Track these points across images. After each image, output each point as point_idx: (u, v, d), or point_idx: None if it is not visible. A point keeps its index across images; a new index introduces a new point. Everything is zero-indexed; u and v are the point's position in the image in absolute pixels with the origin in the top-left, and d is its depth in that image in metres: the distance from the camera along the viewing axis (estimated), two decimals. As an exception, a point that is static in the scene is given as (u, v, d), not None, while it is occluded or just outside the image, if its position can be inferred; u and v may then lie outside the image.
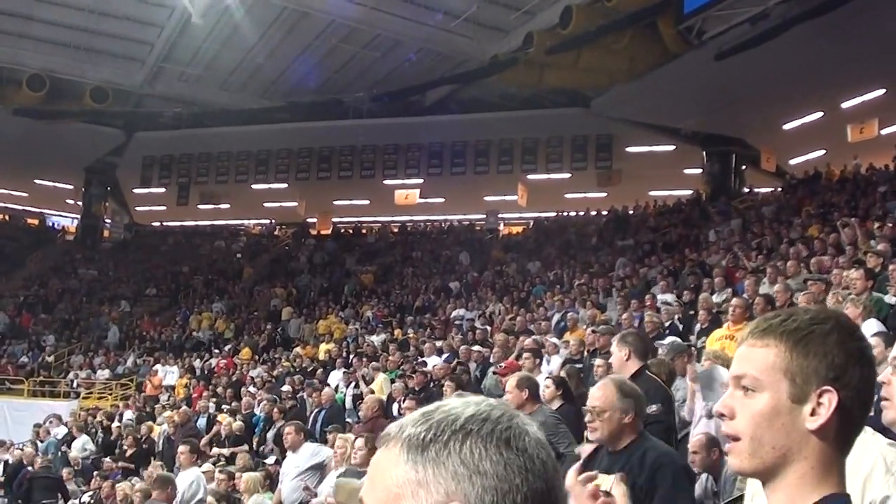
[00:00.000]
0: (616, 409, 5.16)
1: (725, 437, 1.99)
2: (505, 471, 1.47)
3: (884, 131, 31.66)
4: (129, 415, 24.35)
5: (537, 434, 1.54)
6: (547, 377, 11.27)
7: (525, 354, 13.22)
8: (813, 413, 1.85)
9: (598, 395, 5.28)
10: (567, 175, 38.72)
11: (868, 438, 3.65)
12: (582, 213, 39.47)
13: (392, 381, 18.27)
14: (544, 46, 29.47)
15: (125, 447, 20.05)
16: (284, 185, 42.84)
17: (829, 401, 1.84)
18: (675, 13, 28.54)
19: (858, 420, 1.90)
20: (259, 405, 20.10)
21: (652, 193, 38.54)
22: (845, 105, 31.83)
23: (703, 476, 8.18)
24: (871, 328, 9.21)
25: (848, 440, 1.90)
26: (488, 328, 22.01)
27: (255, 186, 43.11)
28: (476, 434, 1.49)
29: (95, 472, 18.84)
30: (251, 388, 22.91)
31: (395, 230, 45.01)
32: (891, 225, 18.25)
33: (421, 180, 40.49)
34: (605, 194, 39.01)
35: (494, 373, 14.85)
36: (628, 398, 5.19)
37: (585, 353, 14.67)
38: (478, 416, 1.51)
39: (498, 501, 1.46)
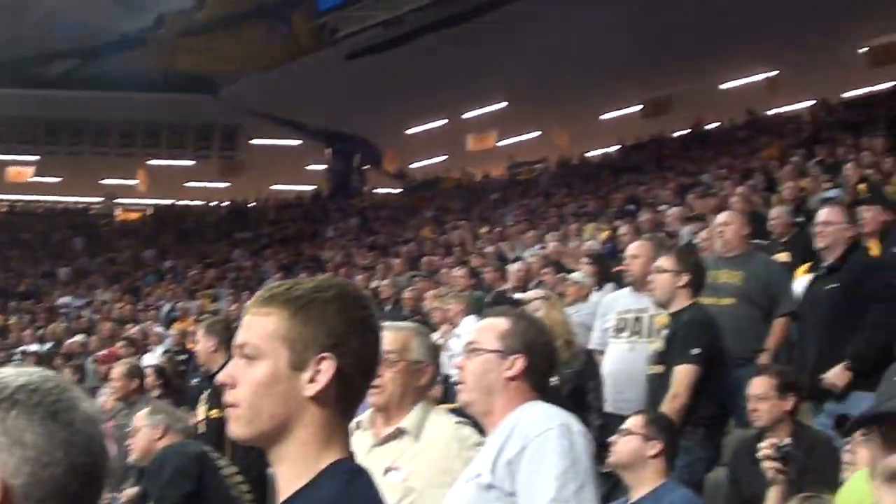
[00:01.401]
0: (146, 425, 5.65)
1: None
2: (47, 443, 1.44)
3: (501, 143, 33.22)
4: None
5: (89, 409, 1.51)
6: (147, 366, 11.00)
7: (119, 343, 12.89)
8: (312, 380, 1.85)
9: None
10: (190, 162, 38.06)
11: (441, 420, 3.77)
12: (203, 203, 38.88)
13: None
14: (176, 28, 28.85)
15: None
16: None
17: (328, 368, 1.85)
18: (311, 9, 28.77)
19: (360, 386, 1.94)
20: None
21: (274, 187, 38.59)
22: (467, 115, 33.16)
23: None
24: (471, 323, 9.57)
25: (350, 406, 1.93)
26: (96, 316, 21.16)
27: None
28: (22, 405, 1.45)
29: None
30: None
31: (4, 210, 42.36)
32: (499, 229, 19.23)
33: (37, 157, 38.31)
34: (227, 185, 38.64)
35: (94, 360, 14.36)
36: (157, 415, 5.68)
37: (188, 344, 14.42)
38: (27, 386, 1.47)
39: (37, 472, 1.43)
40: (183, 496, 5.25)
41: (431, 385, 3.88)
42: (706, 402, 5.72)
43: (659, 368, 5.87)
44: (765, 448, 4.53)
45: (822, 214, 6.44)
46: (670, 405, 5.55)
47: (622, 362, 6.62)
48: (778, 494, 4.39)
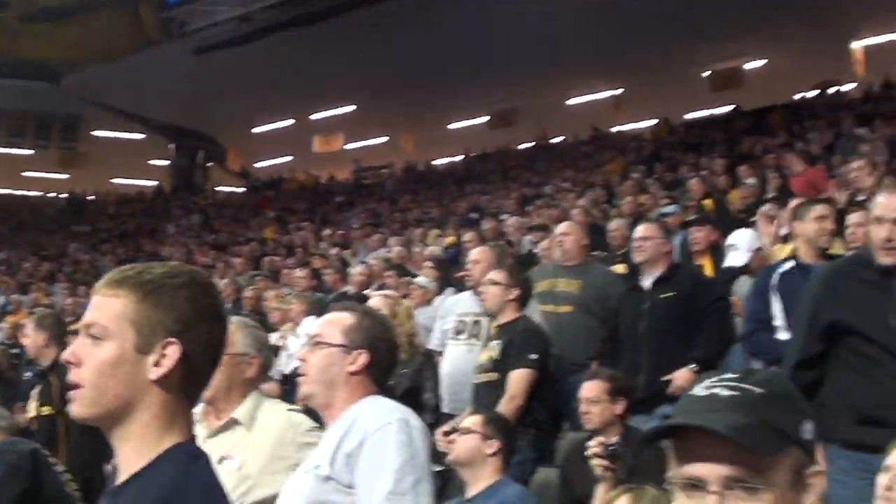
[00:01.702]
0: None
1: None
2: None
3: (348, 146, 33.19)
4: None
5: None
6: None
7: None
8: (157, 364, 1.88)
9: None
10: (29, 152, 36.86)
11: (273, 408, 3.86)
12: (41, 194, 37.74)
13: None
14: (20, 12, 27.99)
15: None
16: None
17: (173, 352, 1.88)
18: (160, 1, 28.27)
19: (205, 373, 1.98)
20: None
21: (115, 181, 37.77)
22: (315, 116, 33.03)
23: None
24: (312, 324, 9.55)
25: (194, 391, 1.97)
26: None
27: None
28: None
29: None
30: None
31: None
32: (342, 232, 19.26)
33: None
34: (66, 176, 37.59)
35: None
36: None
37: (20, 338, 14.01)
38: None
39: None
40: (18, 494, 5.12)
41: (260, 377, 3.93)
42: (538, 407, 5.94)
43: (492, 376, 6.02)
44: (593, 447, 4.68)
45: (640, 230, 6.63)
46: (507, 406, 5.72)
47: (460, 363, 6.71)
48: (605, 491, 4.54)
